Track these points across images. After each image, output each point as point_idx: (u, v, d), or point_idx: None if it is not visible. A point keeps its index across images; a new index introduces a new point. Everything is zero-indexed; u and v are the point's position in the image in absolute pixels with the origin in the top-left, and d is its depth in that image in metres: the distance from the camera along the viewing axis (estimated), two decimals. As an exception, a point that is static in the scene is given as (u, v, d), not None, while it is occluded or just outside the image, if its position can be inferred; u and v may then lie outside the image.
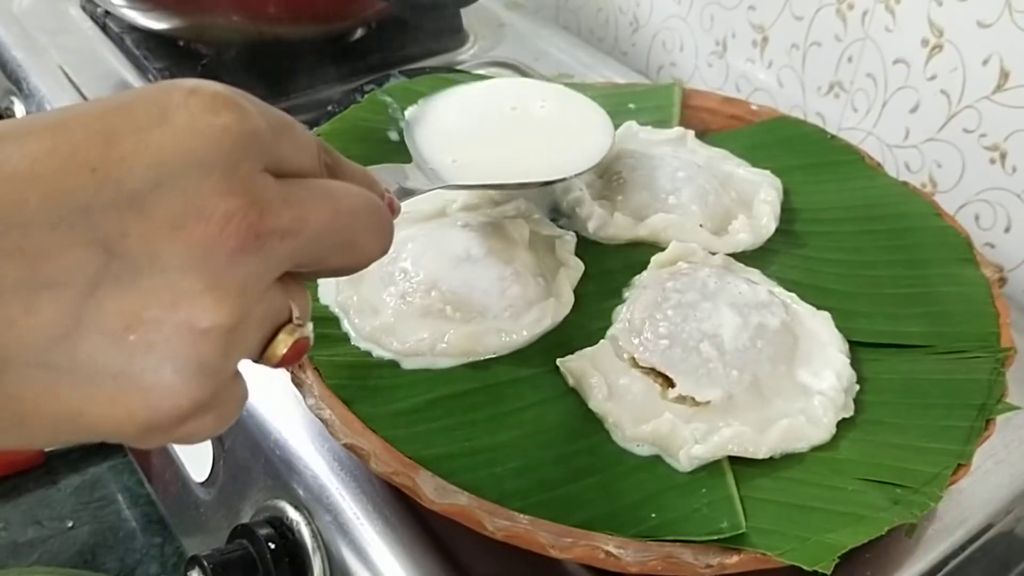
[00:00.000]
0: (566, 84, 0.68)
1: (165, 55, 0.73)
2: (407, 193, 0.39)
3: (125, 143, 0.22)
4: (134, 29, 0.74)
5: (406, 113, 0.50)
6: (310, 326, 0.26)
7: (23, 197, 0.21)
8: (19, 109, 0.71)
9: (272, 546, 0.42)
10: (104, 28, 0.78)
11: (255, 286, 0.23)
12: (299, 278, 0.26)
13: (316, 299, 0.46)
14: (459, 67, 0.76)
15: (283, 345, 0.25)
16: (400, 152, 0.57)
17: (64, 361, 0.22)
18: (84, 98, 0.69)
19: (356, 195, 0.27)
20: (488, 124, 0.49)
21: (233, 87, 0.24)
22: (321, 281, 0.46)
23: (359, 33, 0.76)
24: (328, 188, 0.26)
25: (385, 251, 0.28)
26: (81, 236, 0.21)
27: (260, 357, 0.25)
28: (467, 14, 0.81)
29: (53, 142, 0.22)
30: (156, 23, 0.70)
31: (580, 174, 0.48)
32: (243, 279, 0.23)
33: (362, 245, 0.27)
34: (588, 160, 0.48)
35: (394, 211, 0.29)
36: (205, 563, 0.41)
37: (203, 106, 0.23)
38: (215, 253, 0.22)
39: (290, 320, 0.25)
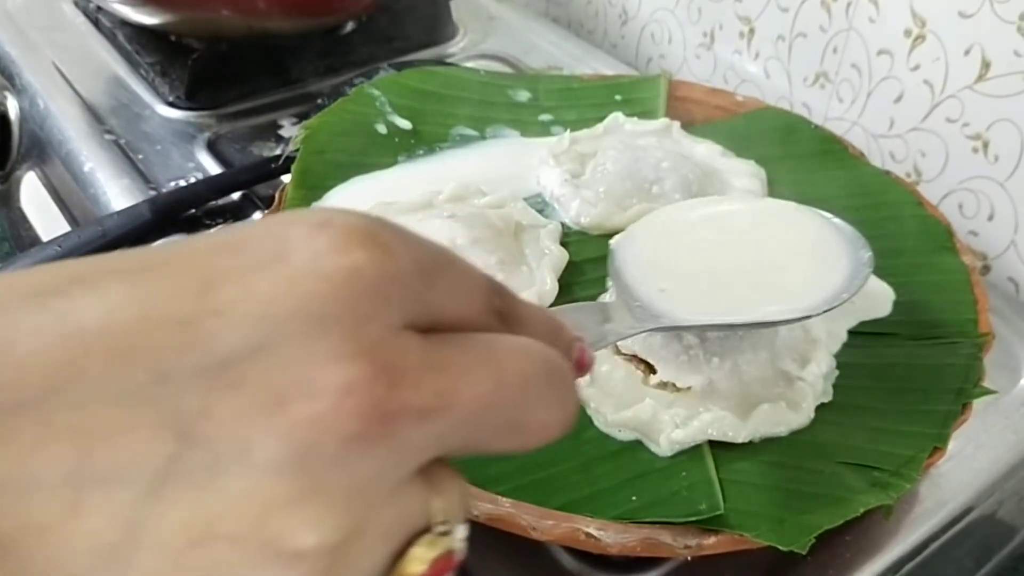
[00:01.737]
0: (555, 75, 0.68)
1: (156, 50, 0.73)
2: (608, 337, 0.34)
3: (225, 291, 0.16)
4: (126, 24, 0.75)
5: (611, 242, 0.44)
6: (461, 531, 0.19)
7: (83, 361, 0.16)
8: (12, 104, 0.72)
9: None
10: (96, 23, 0.78)
11: (378, 486, 0.17)
12: (445, 463, 0.20)
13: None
14: (449, 60, 0.76)
15: (418, 563, 0.18)
16: (388, 146, 0.57)
17: None
18: (77, 94, 0.69)
19: (530, 355, 0.20)
20: (704, 247, 0.43)
21: (380, 218, 0.18)
22: None
23: (349, 27, 0.77)
24: (492, 346, 0.19)
25: (566, 429, 0.21)
26: (151, 415, 0.16)
27: None
28: (456, 7, 0.81)
29: (136, 287, 0.16)
30: (147, 18, 0.70)
31: (828, 311, 0.40)
32: (361, 478, 0.17)
33: (535, 422, 0.20)
34: (831, 293, 0.40)
35: (585, 367, 0.23)
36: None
37: (331, 242, 0.17)
38: (324, 443, 0.16)
39: (429, 527, 0.19)
